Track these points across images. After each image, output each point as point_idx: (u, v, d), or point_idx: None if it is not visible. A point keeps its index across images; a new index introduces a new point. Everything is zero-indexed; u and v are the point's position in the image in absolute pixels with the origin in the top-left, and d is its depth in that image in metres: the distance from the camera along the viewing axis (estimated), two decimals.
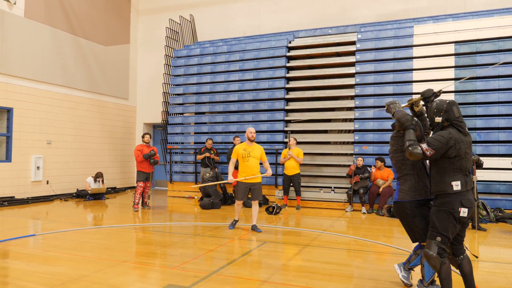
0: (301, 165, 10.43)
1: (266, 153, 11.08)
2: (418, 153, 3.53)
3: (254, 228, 6.96)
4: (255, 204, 7.03)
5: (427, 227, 3.78)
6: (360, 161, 9.61)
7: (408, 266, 4.23)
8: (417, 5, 11.93)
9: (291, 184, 9.93)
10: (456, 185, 3.55)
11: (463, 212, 3.54)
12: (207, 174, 10.20)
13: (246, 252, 5.59)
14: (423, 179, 3.90)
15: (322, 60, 11.62)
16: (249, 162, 6.87)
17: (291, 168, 9.79)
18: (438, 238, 3.55)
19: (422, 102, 4.12)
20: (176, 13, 14.38)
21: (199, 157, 11.08)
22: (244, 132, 11.54)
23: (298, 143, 10.86)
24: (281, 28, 13.40)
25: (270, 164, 11.04)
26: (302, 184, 10.48)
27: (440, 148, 3.53)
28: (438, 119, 3.70)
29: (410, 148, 3.57)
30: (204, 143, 11.72)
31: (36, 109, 11.14)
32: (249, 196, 7.24)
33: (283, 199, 10.24)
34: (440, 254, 3.53)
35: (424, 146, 3.56)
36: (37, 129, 11.16)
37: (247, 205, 9.94)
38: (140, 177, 9.41)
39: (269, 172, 7.04)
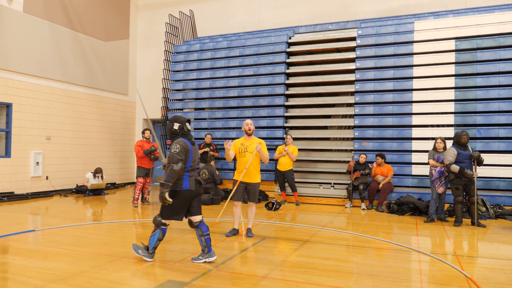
0: (301, 161, 10.41)
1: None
2: None
3: (247, 232, 6.34)
4: (250, 206, 6.36)
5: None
6: (362, 158, 9.60)
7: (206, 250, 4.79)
8: (418, 1, 11.88)
9: (285, 180, 9.92)
10: None
11: None
12: (203, 175, 10.17)
13: (246, 248, 5.60)
14: None
15: (322, 56, 11.59)
16: (245, 157, 6.17)
17: (285, 164, 9.78)
18: None
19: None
20: (176, 8, 14.33)
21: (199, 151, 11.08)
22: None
23: (298, 139, 10.87)
24: (281, 23, 13.35)
25: (270, 160, 11.04)
26: (301, 180, 10.47)
27: None
28: None
29: None
30: (203, 138, 11.71)
31: (35, 104, 11.11)
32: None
33: (281, 195, 10.24)
34: None
35: None
36: (36, 124, 11.14)
37: (246, 200, 9.94)
38: (140, 172, 9.40)
39: (264, 156, 6.16)
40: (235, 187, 6.15)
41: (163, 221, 4.73)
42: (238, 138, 6.78)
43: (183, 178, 4.67)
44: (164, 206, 4.69)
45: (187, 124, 4.87)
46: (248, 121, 6.32)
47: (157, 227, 4.74)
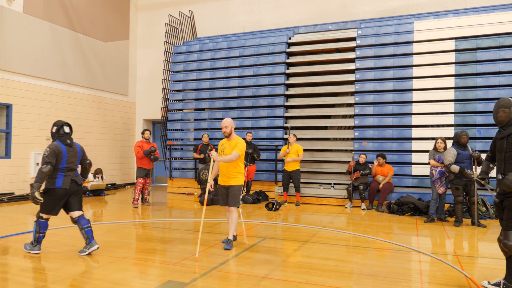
0: (301, 161, 10.39)
1: (266, 150, 11.15)
2: None
3: (226, 243, 5.53)
4: (229, 212, 5.68)
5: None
6: (362, 158, 9.61)
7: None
8: (418, 1, 11.89)
9: (291, 180, 9.92)
10: None
11: None
12: (204, 175, 10.16)
13: (246, 248, 5.59)
14: None
15: (322, 56, 11.59)
16: None
17: (291, 164, 9.78)
18: None
19: None
20: (176, 9, 14.34)
21: (195, 155, 10.91)
22: (243, 128, 11.57)
23: (298, 139, 10.84)
24: (281, 24, 13.36)
25: (270, 160, 11.05)
26: (301, 180, 10.46)
27: None
28: None
29: None
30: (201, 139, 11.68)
31: (35, 105, 11.11)
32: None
33: (282, 195, 10.23)
34: None
35: None
36: (36, 125, 11.14)
37: (246, 201, 9.95)
38: (140, 173, 9.40)
39: (220, 157, 5.53)
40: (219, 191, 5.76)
41: (45, 216, 5.14)
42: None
43: (57, 177, 5.05)
44: (41, 203, 5.08)
45: (65, 127, 5.24)
46: (225, 122, 5.62)
47: (36, 220, 5.15)
